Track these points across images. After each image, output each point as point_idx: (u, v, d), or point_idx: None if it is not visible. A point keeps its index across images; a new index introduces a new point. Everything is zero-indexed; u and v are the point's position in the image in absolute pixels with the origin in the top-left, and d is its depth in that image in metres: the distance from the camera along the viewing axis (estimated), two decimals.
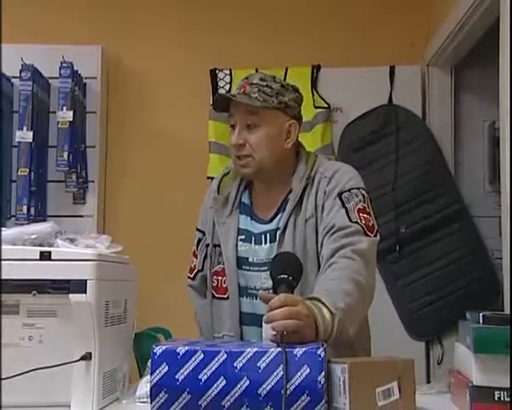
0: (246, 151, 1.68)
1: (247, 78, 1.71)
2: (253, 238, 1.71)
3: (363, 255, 1.58)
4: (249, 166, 1.69)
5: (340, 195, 1.66)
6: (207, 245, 1.79)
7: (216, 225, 1.76)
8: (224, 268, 1.72)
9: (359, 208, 1.64)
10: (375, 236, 1.65)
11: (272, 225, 1.70)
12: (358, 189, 1.68)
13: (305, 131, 3.03)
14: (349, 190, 1.66)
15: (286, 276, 1.40)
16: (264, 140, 1.68)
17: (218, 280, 1.74)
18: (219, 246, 1.74)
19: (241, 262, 1.71)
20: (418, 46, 3.17)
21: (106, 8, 3.29)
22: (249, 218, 1.75)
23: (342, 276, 1.52)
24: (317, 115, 3.10)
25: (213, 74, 3.20)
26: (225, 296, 1.72)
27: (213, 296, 1.76)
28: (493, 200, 3.02)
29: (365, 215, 1.64)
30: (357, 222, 1.62)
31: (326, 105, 3.12)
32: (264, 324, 1.46)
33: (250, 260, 1.70)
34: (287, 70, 3.12)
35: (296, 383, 1.19)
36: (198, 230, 1.85)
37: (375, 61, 3.15)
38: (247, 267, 1.71)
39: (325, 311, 1.39)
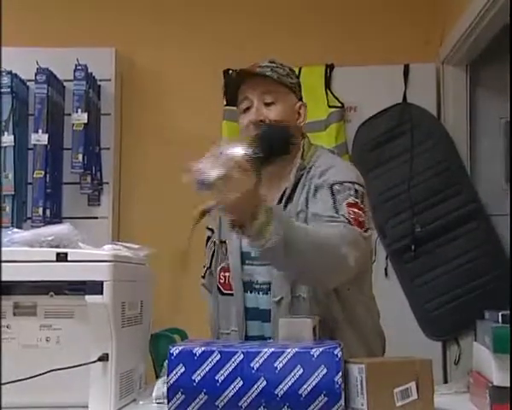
0: None
1: (253, 64, 1.71)
2: None
3: (345, 238, 1.47)
4: None
5: (331, 186, 1.58)
6: (215, 242, 1.79)
7: (222, 220, 1.76)
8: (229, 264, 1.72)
9: (350, 203, 1.55)
10: (366, 232, 1.55)
11: None
12: (353, 183, 1.60)
13: (320, 131, 3.03)
14: (341, 183, 1.58)
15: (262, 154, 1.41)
16: (282, 116, 1.69)
17: (225, 277, 1.74)
18: (225, 242, 1.74)
19: (244, 257, 1.70)
20: (433, 44, 3.14)
21: (119, 10, 3.30)
22: None
23: (310, 227, 1.51)
24: (331, 115, 3.09)
25: (227, 75, 3.20)
26: (232, 292, 1.72)
27: (222, 293, 1.75)
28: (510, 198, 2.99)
29: (355, 210, 1.54)
30: (343, 215, 1.52)
31: (340, 104, 3.11)
32: (280, 319, 1.45)
33: (252, 254, 1.68)
34: (300, 70, 3.11)
35: (313, 384, 1.19)
36: (207, 228, 1.85)
37: (389, 59, 3.13)
38: (250, 262, 1.69)
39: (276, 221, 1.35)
